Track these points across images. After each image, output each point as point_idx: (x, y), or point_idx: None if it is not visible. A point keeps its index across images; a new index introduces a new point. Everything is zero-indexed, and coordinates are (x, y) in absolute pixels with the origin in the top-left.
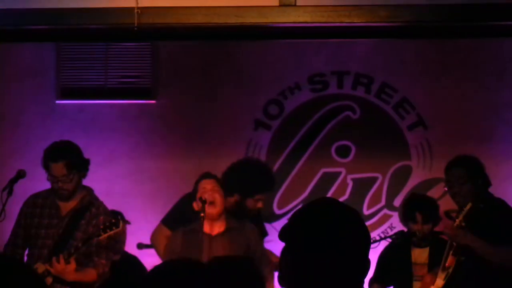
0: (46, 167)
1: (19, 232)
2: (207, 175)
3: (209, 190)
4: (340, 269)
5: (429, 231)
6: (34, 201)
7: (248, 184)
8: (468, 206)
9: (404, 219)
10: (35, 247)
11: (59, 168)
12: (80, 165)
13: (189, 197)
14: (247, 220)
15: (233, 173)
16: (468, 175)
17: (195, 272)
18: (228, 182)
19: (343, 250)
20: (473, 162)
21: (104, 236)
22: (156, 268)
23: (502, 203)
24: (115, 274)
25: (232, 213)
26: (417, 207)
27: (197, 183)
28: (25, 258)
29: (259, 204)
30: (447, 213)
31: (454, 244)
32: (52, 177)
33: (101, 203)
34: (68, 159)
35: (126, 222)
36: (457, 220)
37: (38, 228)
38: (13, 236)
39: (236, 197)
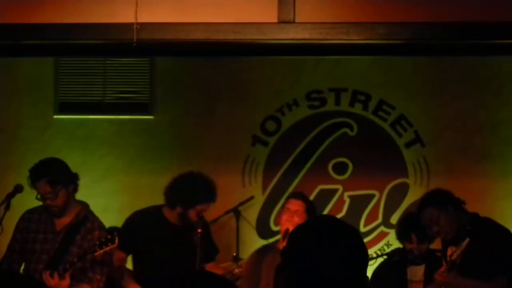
0: (33, 186)
1: (15, 247)
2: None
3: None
4: (339, 286)
5: (425, 250)
6: (29, 216)
7: (188, 196)
8: (466, 241)
9: (399, 238)
10: (31, 262)
11: (42, 186)
12: (64, 180)
13: (137, 216)
14: None
15: (174, 187)
16: (438, 209)
17: None
18: (170, 196)
19: (342, 267)
20: (435, 196)
21: (99, 252)
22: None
23: (490, 224)
24: None
25: (177, 226)
26: (412, 227)
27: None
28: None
29: (202, 215)
30: (433, 253)
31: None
32: (40, 196)
33: (97, 218)
34: (50, 176)
35: None
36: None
37: (33, 243)
38: (9, 251)
39: (178, 209)
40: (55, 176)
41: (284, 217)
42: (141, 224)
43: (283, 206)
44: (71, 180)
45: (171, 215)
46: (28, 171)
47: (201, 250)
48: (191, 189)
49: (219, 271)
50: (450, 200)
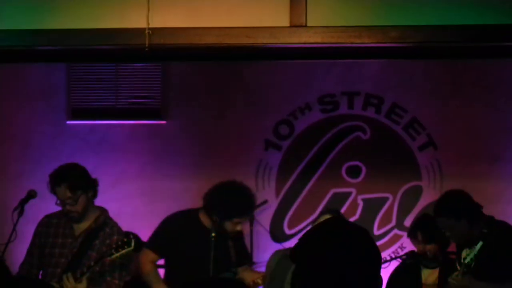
0: (53, 191)
1: (34, 251)
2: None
3: None
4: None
5: (434, 251)
6: (48, 221)
7: (226, 208)
8: (479, 245)
9: (408, 237)
10: (49, 266)
11: (62, 191)
12: (84, 185)
13: (173, 218)
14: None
15: (214, 195)
16: (451, 220)
17: None
18: (209, 203)
19: (354, 269)
20: (449, 207)
21: (116, 255)
22: None
23: (505, 227)
24: None
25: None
26: (419, 226)
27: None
28: (40, 277)
29: (238, 227)
30: (448, 256)
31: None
32: (59, 201)
33: (115, 223)
34: (70, 181)
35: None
36: (463, 261)
37: (52, 248)
38: (28, 255)
39: (215, 218)
40: (75, 181)
41: None
42: (176, 227)
43: (315, 221)
44: (90, 186)
45: (207, 221)
46: (48, 176)
47: (235, 256)
48: (231, 202)
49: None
50: (464, 213)
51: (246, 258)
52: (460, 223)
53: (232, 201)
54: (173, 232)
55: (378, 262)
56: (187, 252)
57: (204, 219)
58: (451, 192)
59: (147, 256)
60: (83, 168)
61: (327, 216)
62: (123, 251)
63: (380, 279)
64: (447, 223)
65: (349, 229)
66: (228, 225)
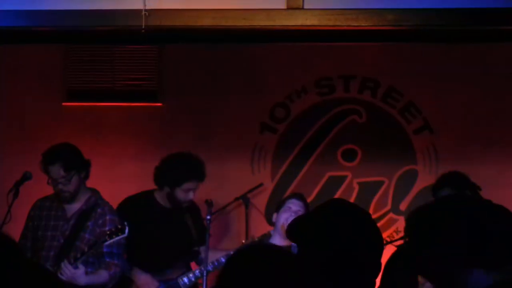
0: (46, 171)
1: (27, 234)
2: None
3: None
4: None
5: None
6: (41, 204)
7: (173, 174)
8: None
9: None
10: (43, 249)
11: (56, 170)
12: (78, 165)
13: (128, 201)
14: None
15: (160, 168)
16: (455, 192)
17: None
18: (157, 177)
19: (354, 249)
20: (454, 178)
21: (110, 242)
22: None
23: (503, 211)
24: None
25: (167, 208)
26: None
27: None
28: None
29: (190, 195)
30: None
31: None
32: (52, 180)
33: (107, 203)
34: (64, 160)
35: None
36: None
37: (44, 231)
38: (22, 238)
39: (166, 190)
40: (70, 161)
41: (285, 215)
42: (132, 208)
43: (283, 204)
44: (84, 166)
45: (162, 198)
46: (41, 155)
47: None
48: (176, 168)
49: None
50: (468, 184)
51: (205, 233)
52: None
53: (178, 166)
54: (129, 215)
55: (379, 244)
56: (146, 233)
57: (159, 197)
58: (453, 171)
59: None
60: (77, 148)
61: (296, 201)
62: (117, 238)
63: (380, 263)
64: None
65: (355, 210)
66: (180, 193)
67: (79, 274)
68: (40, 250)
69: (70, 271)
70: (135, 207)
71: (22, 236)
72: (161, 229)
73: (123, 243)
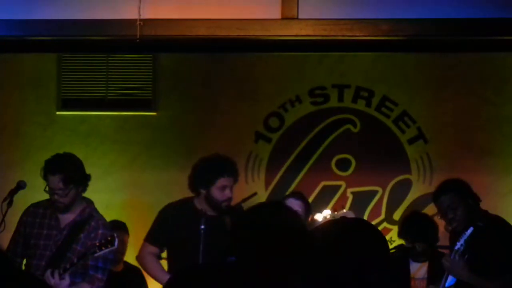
0: (45, 178)
1: (18, 240)
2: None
3: None
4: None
5: (423, 246)
6: (34, 210)
7: (205, 173)
8: (470, 230)
9: (399, 236)
10: (34, 258)
11: (55, 181)
12: (78, 180)
13: (168, 209)
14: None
15: (192, 173)
16: (459, 198)
17: None
18: (191, 183)
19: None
20: (458, 185)
21: (99, 253)
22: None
23: (500, 221)
24: (116, 286)
25: (210, 215)
26: (407, 226)
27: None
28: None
29: (227, 192)
30: (436, 251)
31: None
32: (49, 189)
33: (101, 216)
34: (65, 173)
35: (126, 233)
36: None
37: (37, 239)
38: (12, 243)
39: (203, 194)
40: (70, 174)
41: None
42: (172, 216)
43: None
44: (83, 181)
45: (201, 203)
46: (44, 162)
47: None
48: (206, 167)
49: None
50: (472, 195)
51: None
52: (467, 203)
53: (208, 165)
54: (170, 222)
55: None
56: (187, 240)
57: (198, 203)
58: (457, 178)
59: (146, 248)
60: (80, 161)
61: (294, 200)
62: (106, 250)
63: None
64: (454, 200)
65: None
66: (215, 192)
67: (63, 285)
68: (32, 258)
69: (55, 281)
70: (176, 214)
71: (12, 241)
72: (201, 235)
73: (110, 259)
